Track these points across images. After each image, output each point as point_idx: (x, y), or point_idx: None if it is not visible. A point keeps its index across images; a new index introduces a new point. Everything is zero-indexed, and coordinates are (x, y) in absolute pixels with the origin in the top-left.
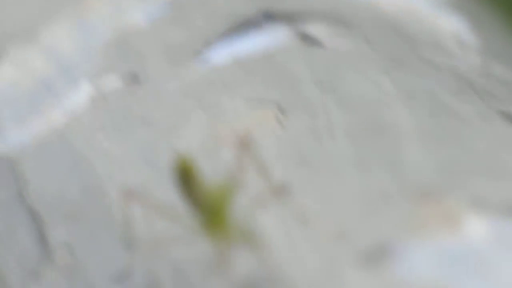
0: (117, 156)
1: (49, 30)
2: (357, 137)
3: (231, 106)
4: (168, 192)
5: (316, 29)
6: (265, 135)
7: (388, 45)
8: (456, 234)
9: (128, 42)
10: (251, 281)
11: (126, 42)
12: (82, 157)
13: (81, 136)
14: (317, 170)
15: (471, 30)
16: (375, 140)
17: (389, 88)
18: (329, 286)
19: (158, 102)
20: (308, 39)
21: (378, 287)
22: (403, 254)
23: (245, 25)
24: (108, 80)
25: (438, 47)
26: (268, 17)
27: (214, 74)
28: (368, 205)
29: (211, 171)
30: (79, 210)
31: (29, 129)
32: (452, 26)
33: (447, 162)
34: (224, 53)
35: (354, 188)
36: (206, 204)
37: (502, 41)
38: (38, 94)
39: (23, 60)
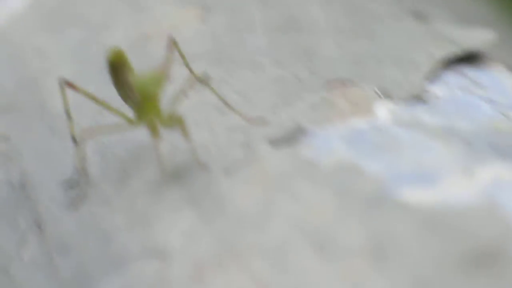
0: (51, 53)
1: None
2: (275, 33)
3: (158, 6)
4: (99, 85)
5: None
6: (190, 32)
7: None
8: (364, 117)
9: None
10: (179, 164)
11: None
12: (19, 54)
13: (18, 35)
14: (237, 63)
15: None
16: (292, 36)
17: None
18: (244, 165)
19: (90, 3)
20: None
21: (291, 165)
22: (315, 135)
23: None
24: None
25: None
26: None
27: None
28: (284, 93)
29: (140, 65)
30: (15, 103)
31: None
32: None
33: (359, 55)
34: None
35: (271, 79)
36: (137, 92)
37: None
38: None
39: None
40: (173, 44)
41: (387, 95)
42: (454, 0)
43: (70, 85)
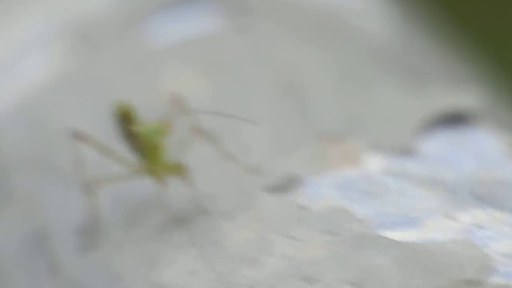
0: (67, 112)
1: None
2: (274, 93)
3: (167, 70)
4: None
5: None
6: (194, 90)
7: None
8: (355, 168)
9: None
10: (183, 210)
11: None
12: (38, 114)
13: (38, 99)
14: (237, 118)
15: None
16: (291, 97)
17: (308, 58)
18: (242, 210)
19: (110, 74)
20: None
21: (285, 209)
22: (309, 183)
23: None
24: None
25: (353, 27)
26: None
27: (153, 54)
28: (282, 147)
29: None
30: (31, 158)
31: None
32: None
33: (353, 112)
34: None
35: (270, 133)
36: (142, 142)
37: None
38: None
39: None
40: (177, 98)
41: (377, 148)
42: (448, 60)
43: (81, 136)
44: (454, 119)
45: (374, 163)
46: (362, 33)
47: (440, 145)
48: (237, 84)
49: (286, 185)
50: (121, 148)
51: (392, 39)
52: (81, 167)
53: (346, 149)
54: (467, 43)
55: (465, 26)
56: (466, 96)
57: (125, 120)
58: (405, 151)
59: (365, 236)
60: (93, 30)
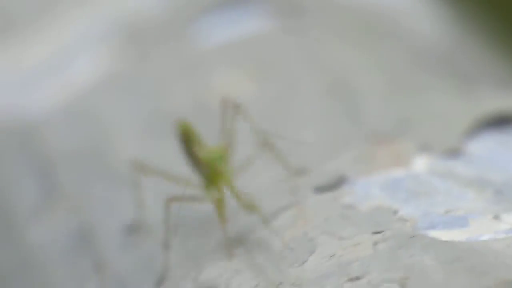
0: (113, 115)
1: None
2: (322, 94)
3: (217, 74)
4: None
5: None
6: (245, 93)
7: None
8: (402, 168)
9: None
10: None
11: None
12: (85, 117)
13: (86, 101)
14: (286, 120)
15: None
16: (340, 98)
17: (356, 59)
18: (289, 209)
19: (158, 75)
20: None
21: (332, 209)
22: (356, 183)
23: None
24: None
25: (402, 29)
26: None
27: (201, 55)
28: (330, 147)
29: (202, 129)
30: (78, 155)
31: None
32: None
33: (400, 116)
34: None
35: (319, 134)
36: (205, 164)
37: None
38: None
39: None
40: (229, 102)
41: (426, 150)
42: (496, 63)
43: (141, 167)
44: (502, 121)
45: (422, 164)
46: (412, 35)
47: (487, 147)
48: (286, 85)
49: (333, 185)
50: (179, 167)
51: (441, 41)
52: (141, 192)
53: (395, 150)
54: None
55: None
56: None
57: (186, 140)
58: (453, 153)
59: (411, 235)
60: (141, 31)
